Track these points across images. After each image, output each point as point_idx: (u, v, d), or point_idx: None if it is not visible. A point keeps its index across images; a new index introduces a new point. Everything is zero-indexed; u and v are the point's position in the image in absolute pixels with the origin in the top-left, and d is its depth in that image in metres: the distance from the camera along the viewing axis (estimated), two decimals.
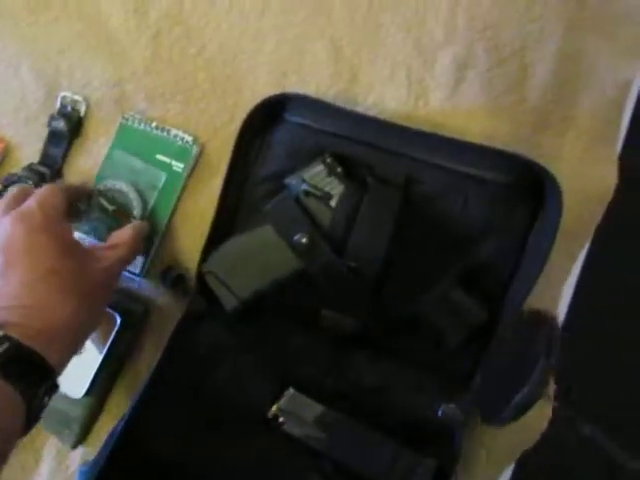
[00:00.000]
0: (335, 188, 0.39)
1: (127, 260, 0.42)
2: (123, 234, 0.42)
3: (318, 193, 0.39)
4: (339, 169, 0.39)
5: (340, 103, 0.44)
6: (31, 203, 0.39)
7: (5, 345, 0.33)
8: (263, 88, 0.48)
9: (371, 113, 0.45)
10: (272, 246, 0.40)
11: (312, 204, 0.39)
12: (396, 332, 0.40)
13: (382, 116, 0.45)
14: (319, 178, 0.39)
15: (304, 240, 0.39)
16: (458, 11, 0.48)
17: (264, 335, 0.42)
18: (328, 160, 0.39)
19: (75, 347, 0.38)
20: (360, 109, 0.46)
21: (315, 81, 0.48)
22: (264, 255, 0.40)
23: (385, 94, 0.47)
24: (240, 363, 0.43)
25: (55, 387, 0.36)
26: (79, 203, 0.46)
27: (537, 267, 0.37)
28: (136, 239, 0.43)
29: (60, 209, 0.40)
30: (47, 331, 0.35)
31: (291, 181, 0.40)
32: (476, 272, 0.39)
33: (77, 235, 0.47)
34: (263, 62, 0.49)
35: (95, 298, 0.39)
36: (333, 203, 0.39)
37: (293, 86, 0.48)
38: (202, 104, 0.49)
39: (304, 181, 0.39)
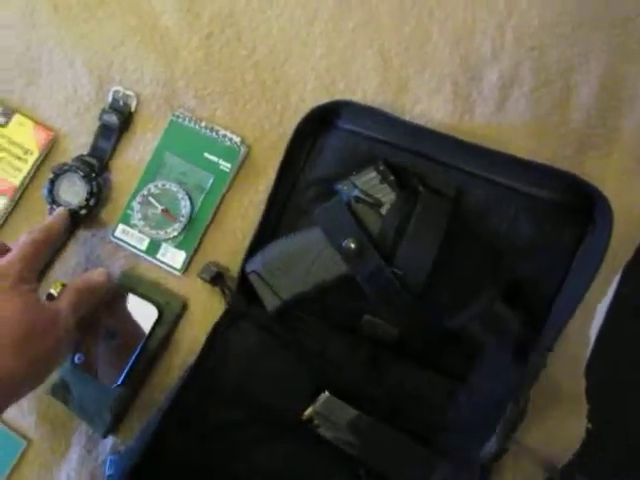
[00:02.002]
0: (386, 196, 0.39)
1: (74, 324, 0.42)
2: (67, 297, 0.42)
3: (369, 200, 0.39)
4: (392, 177, 0.39)
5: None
6: (8, 262, 0.40)
7: None
8: (311, 93, 0.49)
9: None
10: (319, 249, 0.40)
11: (362, 210, 0.39)
12: (436, 342, 0.40)
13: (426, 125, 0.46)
14: (371, 185, 0.39)
15: (352, 245, 0.39)
16: (506, 29, 0.48)
17: (303, 337, 0.43)
18: (381, 167, 0.40)
19: (8, 402, 0.38)
20: (406, 119, 0.47)
21: (362, 89, 0.49)
22: (310, 258, 0.41)
23: (431, 106, 0.48)
24: (277, 364, 0.43)
25: None
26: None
27: (581, 288, 0.37)
28: (82, 298, 0.42)
29: (25, 274, 0.40)
30: None
31: (342, 186, 0.40)
32: (520, 288, 0.39)
33: (125, 230, 0.48)
34: (312, 68, 0.49)
35: (47, 362, 0.39)
36: (384, 210, 0.39)
37: (341, 93, 0.49)
38: (250, 106, 0.49)
39: (356, 187, 0.39)
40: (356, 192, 0.39)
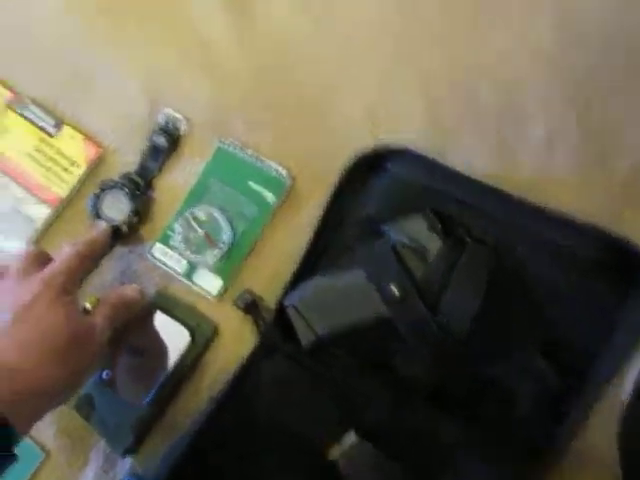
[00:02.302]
0: (432, 243, 0.40)
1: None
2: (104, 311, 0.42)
3: (415, 246, 0.39)
4: (439, 225, 0.40)
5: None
6: (53, 272, 0.40)
7: None
8: (359, 131, 0.49)
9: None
10: (361, 290, 0.40)
11: (408, 256, 0.40)
12: (471, 391, 0.40)
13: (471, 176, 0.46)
14: (418, 231, 0.40)
15: (396, 290, 0.39)
16: (553, 82, 0.49)
17: (335, 374, 0.43)
18: (429, 215, 0.40)
19: (41, 415, 0.38)
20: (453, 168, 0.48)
21: (409, 131, 0.49)
22: (351, 297, 0.41)
23: (475, 155, 0.48)
24: (306, 399, 0.43)
25: (13, 457, 0.35)
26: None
27: (628, 347, 0.37)
28: (117, 313, 0.43)
29: (68, 286, 0.40)
30: (23, 394, 0.35)
31: (390, 230, 0.41)
32: (558, 342, 0.39)
33: (164, 250, 0.49)
34: (359, 105, 0.50)
35: (81, 375, 0.40)
36: (429, 258, 0.39)
37: (386, 132, 0.49)
38: (297, 138, 0.50)
39: (403, 232, 0.40)
40: (403, 237, 0.40)
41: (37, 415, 0.37)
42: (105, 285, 0.50)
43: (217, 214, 0.48)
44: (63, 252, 0.42)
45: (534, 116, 0.49)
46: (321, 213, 0.44)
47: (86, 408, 0.47)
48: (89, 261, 0.43)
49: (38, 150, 0.52)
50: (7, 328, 0.36)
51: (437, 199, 0.42)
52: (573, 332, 0.39)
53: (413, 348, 0.40)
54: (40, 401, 0.36)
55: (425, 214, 0.40)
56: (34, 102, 0.54)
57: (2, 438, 0.33)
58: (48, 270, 0.40)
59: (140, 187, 0.49)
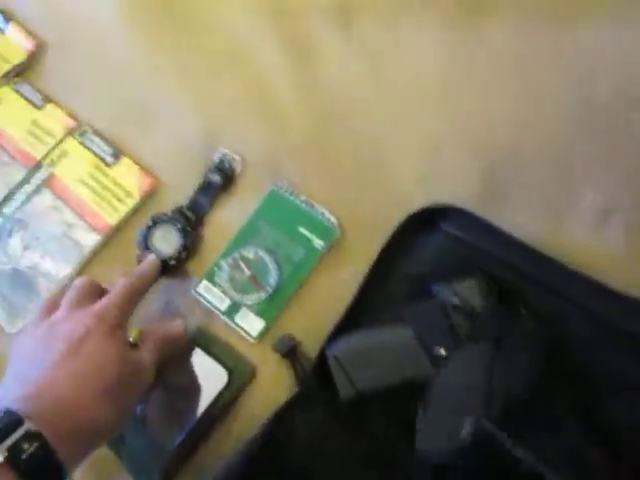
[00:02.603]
0: (485, 307, 0.39)
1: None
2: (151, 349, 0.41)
3: (467, 308, 0.39)
4: (492, 290, 0.40)
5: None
6: (107, 306, 0.40)
7: (34, 446, 0.31)
8: (409, 187, 0.49)
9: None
10: (407, 349, 0.40)
11: (458, 318, 0.39)
12: (512, 474, 0.39)
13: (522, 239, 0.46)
14: (471, 294, 0.40)
15: (443, 352, 0.39)
16: (605, 155, 0.49)
17: (375, 429, 0.42)
18: (483, 279, 0.40)
19: (88, 453, 0.36)
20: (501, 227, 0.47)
21: (461, 191, 0.49)
22: (396, 355, 0.40)
23: (525, 220, 0.48)
24: (343, 452, 0.42)
25: None
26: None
27: None
28: (163, 349, 0.42)
29: (121, 320, 0.40)
30: (76, 430, 0.34)
31: (442, 290, 0.40)
32: (614, 432, 0.38)
33: (208, 287, 0.49)
34: (412, 163, 0.51)
35: (128, 410, 0.39)
36: (480, 322, 0.39)
37: (436, 191, 0.49)
38: (348, 189, 0.51)
39: (455, 293, 0.40)
40: (454, 299, 0.40)
41: (85, 453, 0.36)
42: (148, 316, 0.50)
43: (266, 256, 0.48)
44: (117, 285, 0.42)
45: (586, 186, 0.48)
46: (371, 265, 0.44)
47: (116, 442, 0.46)
48: (140, 295, 0.43)
49: (94, 178, 0.54)
50: (60, 360, 0.36)
51: (489, 261, 0.42)
52: (630, 418, 0.38)
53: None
54: (91, 438, 0.36)
55: (478, 277, 0.40)
56: (94, 131, 0.55)
57: (53, 475, 0.32)
58: (102, 303, 0.40)
59: (192, 223, 0.50)
